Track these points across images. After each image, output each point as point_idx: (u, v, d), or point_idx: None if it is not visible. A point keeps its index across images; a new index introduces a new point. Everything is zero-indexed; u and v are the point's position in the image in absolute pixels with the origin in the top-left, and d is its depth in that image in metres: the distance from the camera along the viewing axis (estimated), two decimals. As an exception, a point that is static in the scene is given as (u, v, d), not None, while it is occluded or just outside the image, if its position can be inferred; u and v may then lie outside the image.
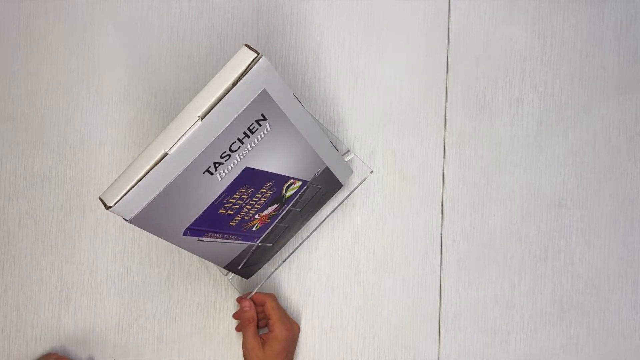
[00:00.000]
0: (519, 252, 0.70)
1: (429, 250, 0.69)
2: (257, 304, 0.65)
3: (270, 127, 0.49)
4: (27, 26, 0.70)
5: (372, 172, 0.66)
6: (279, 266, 0.68)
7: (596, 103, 0.71)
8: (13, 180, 0.69)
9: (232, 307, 0.69)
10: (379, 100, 0.70)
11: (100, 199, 0.45)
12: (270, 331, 0.63)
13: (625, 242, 0.70)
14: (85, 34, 0.70)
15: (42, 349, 0.68)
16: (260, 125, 0.48)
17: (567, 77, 0.71)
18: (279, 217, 0.59)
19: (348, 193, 0.67)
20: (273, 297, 0.65)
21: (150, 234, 0.69)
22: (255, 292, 0.65)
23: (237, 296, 0.68)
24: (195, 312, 0.68)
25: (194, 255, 0.69)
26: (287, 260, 0.68)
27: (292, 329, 0.64)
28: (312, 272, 0.69)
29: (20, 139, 0.70)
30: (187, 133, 0.44)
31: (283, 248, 0.68)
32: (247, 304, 0.64)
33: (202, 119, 0.44)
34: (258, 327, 0.65)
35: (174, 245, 0.68)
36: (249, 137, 0.48)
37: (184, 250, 0.68)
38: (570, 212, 0.70)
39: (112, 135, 0.70)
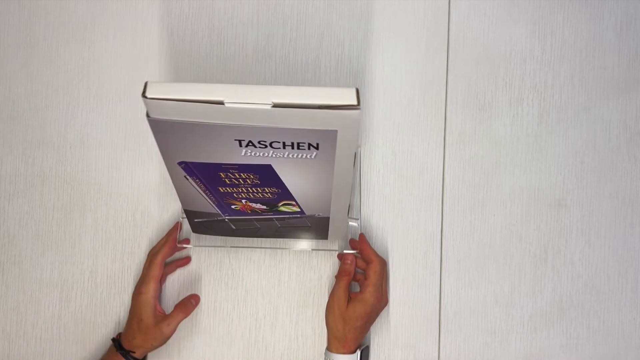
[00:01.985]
0: (519, 252, 0.70)
1: (429, 250, 0.69)
2: (365, 259, 0.64)
3: (314, 157, 0.49)
4: (27, 26, 0.70)
5: (356, 253, 0.66)
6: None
7: (596, 103, 0.71)
8: (13, 180, 0.69)
9: (230, 306, 0.69)
10: (379, 100, 0.70)
11: (146, 83, 0.45)
12: (360, 292, 0.61)
13: (625, 242, 0.70)
14: (85, 34, 0.70)
15: (42, 348, 0.68)
16: (309, 149, 0.48)
17: (567, 77, 0.71)
18: (259, 217, 0.60)
19: (326, 247, 0.68)
20: (383, 262, 0.64)
21: (149, 235, 0.69)
22: (371, 248, 0.64)
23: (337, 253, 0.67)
24: (196, 311, 0.68)
25: (194, 256, 0.69)
26: (288, 259, 0.69)
27: (382, 300, 0.62)
28: (312, 272, 0.69)
29: (20, 139, 0.70)
30: (252, 105, 0.44)
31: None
32: (350, 258, 0.64)
33: (272, 106, 0.44)
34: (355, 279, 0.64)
35: (174, 245, 0.68)
36: (292, 148, 0.48)
37: (183, 250, 0.69)
38: (570, 212, 0.70)
39: (112, 135, 0.70)
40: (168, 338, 0.63)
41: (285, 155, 0.49)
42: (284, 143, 0.48)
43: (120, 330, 0.65)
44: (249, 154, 0.49)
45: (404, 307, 0.69)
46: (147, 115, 0.46)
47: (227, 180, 0.54)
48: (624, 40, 0.71)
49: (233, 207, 0.58)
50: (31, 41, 0.70)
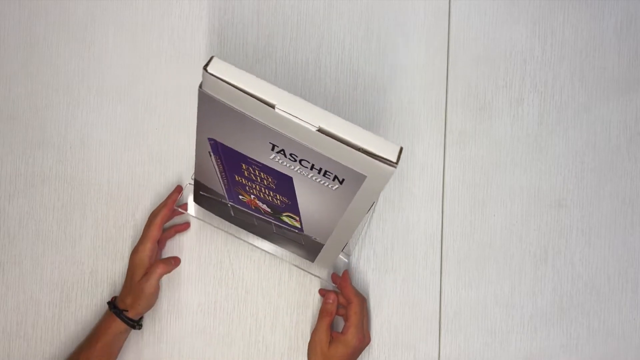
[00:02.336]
0: (519, 252, 0.70)
1: (429, 250, 0.69)
2: (345, 298, 0.64)
3: (335, 189, 0.50)
4: (27, 26, 0.70)
5: (335, 288, 0.66)
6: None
7: (596, 103, 0.71)
8: (13, 180, 0.69)
9: (231, 306, 0.69)
10: (379, 100, 0.70)
11: (212, 57, 0.46)
12: (342, 333, 0.61)
13: (625, 242, 0.70)
14: (85, 34, 0.70)
15: (42, 348, 0.68)
16: (333, 180, 0.49)
17: (568, 77, 0.71)
18: (260, 216, 0.61)
19: (308, 270, 0.68)
20: (362, 300, 0.63)
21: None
22: (351, 287, 0.64)
23: (319, 288, 0.68)
24: (196, 312, 0.68)
25: (194, 256, 0.69)
26: (288, 260, 0.69)
27: (363, 340, 0.62)
28: (312, 271, 0.69)
29: (20, 139, 0.70)
30: (299, 120, 0.45)
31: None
32: (332, 297, 0.64)
33: (317, 130, 0.45)
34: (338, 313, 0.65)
35: (174, 246, 0.68)
36: (318, 173, 0.49)
37: (184, 250, 0.69)
38: (570, 212, 0.70)
39: (112, 135, 0.70)
40: (151, 296, 0.63)
41: (309, 176, 0.50)
42: (312, 165, 0.48)
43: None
44: (277, 160, 0.50)
45: (404, 307, 0.69)
46: (200, 87, 0.47)
47: (245, 173, 0.54)
48: (624, 41, 0.71)
49: (240, 197, 0.59)
50: (31, 41, 0.70)
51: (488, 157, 0.70)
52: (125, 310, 0.62)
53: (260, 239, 0.67)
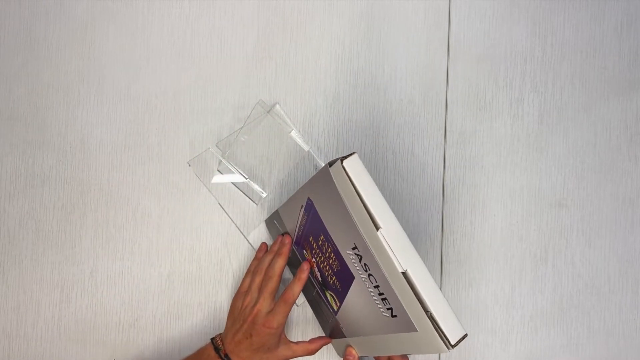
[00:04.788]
0: (519, 252, 0.70)
1: (429, 250, 0.69)
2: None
3: (383, 315, 0.51)
4: (27, 26, 0.70)
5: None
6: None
7: (597, 103, 0.71)
8: (13, 180, 0.69)
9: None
10: (379, 100, 0.70)
11: (353, 153, 0.48)
12: None
13: (625, 242, 0.70)
14: (85, 34, 0.70)
15: (42, 348, 0.68)
16: (387, 310, 0.50)
17: (568, 77, 0.71)
18: (310, 275, 0.62)
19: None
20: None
21: (149, 235, 0.69)
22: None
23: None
24: (196, 312, 0.68)
25: (194, 256, 0.69)
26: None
27: None
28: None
29: (20, 139, 0.70)
30: (391, 253, 0.47)
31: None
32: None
33: (402, 273, 0.46)
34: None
35: (174, 246, 0.68)
36: (379, 295, 0.50)
37: (184, 250, 0.69)
38: (570, 212, 0.70)
39: (112, 135, 0.70)
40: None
41: (369, 289, 0.51)
42: (378, 286, 0.49)
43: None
44: (351, 257, 0.51)
45: (404, 307, 0.69)
46: (329, 164, 0.49)
47: (320, 242, 0.56)
48: (625, 40, 0.71)
49: (304, 251, 0.60)
50: (31, 41, 0.70)
51: (488, 157, 0.70)
52: None
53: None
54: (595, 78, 0.71)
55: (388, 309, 0.49)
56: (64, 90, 0.70)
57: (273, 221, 0.66)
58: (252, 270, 0.64)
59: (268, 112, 0.70)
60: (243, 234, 0.69)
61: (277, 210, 0.64)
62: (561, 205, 0.70)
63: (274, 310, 0.58)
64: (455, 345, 0.45)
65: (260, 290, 0.60)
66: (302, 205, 0.56)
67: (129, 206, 0.69)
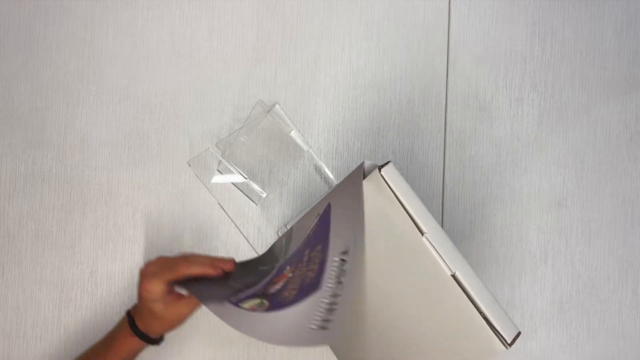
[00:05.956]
0: (519, 252, 0.70)
1: (429, 250, 0.69)
2: None
3: None
4: (27, 26, 0.70)
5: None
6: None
7: (596, 103, 0.71)
8: (13, 180, 0.69)
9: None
10: (379, 100, 0.70)
11: (389, 162, 0.48)
12: None
13: (625, 242, 0.70)
14: (85, 34, 0.70)
15: (42, 349, 0.68)
16: None
17: (568, 77, 0.71)
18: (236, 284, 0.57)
19: None
20: None
21: (149, 234, 0.69)
22: None
23: None
24: (196, 313, 0.68)
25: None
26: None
27: None
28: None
29: (20, 139, 0.70)
30: (439, 258, 0.46)
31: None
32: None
33: (451, 275, 0.46)
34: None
35: (174, 246, 0.68)
36: (333, 297, 0.49)
37: (184, 250, 0.68)
38: (570, 212, 0.70)
39: (112, 135, 0.70)
40: (188, 317, 0.57)
41: (322, 300, 0.49)
42: (339, 296, 0.49)
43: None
44: (334, 264, 0.50)
45: (404, 307, 0.69)
46: (364, 176, 0.49)
47: (312, 254, 0.53)
48: (624, 40, 0.71)
49: (287, 267, 0.56)
50: (31, 41, 0.70)
51: (488, 157, 0.70)
52: (149, 335, 0.57)
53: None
54: (595, 78, 0.71)
55: (324, 320, 0.46)
56: (64, 90, 0.70)
57: (282, 241, 0.62)
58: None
59: (268, 112, 0.70)
60: (243, 234, 0.69)
61: (290, 228, 0.61)
62: (561, 205, 0.70)
63: (157, 274, 0.54)
64: (512, 343, 0.44)
65: (164, 264, 0.55)
66: (318, 214, 0.55)
67: (129, 206, 0.69)
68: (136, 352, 0.59)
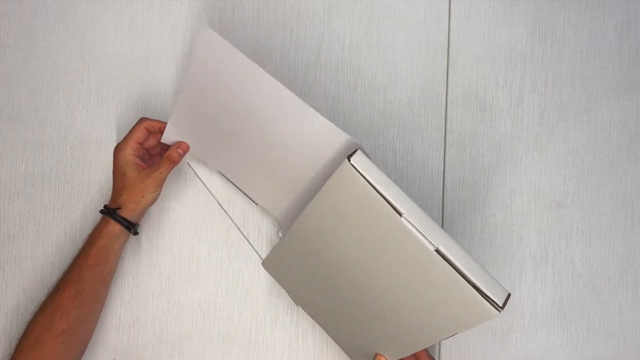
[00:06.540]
0: (519, 252, 0.70)
1: (429, 250, 0.69)
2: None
3: None
4: (27, 26, 0.70)
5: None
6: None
7: (597, 103, 0.71)
8: (13, 180, 0.69)
9: (231, 306, 0.69)
10: (379, 99, 0.70)
11: (356, 150, 0.49)
12: None
13: (626, 242, 0.70)
14: (85, 34, 0.70)
15: (42, 348, 0.68)
16: None
17: (568, 77, 0.71)
18: None
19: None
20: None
21: (149, 234, 0.69)
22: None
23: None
24: (196, 312, 0.68)
25: (194, 255, 0.69)
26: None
27: None
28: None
29: (20, 139, 0.70)
30: (420, 235, 0.47)
31: None
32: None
33: (435, 251, 0.47)
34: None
35: (174, 246, 0.68)
36: None
37: (183, 251, 0.69)
38: (570, 212, 0.70)
39: (112, 135, 0.70)
40: (154, 192, 0.62)
41: None
42: None
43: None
44: None
45: (404, 307, 0.69)
46: (349, 159, 0.49)
47: None
48: (625, 40, 0.71)
49: None
50: (31, 41, 0.70)
51: (488, 157, 0.70)
52: (118, 208, 0.61)
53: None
54: (595, 78, 0.71)
55: None
56: (64, 90, 0.70)
57: (274, 260, 0.63)
58: None
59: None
60: (243, 234, 0.69)
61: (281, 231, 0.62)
62: (561, 205, 0.70)
63: (124, 139, 0.62)
64: (504, 306, 0.46)
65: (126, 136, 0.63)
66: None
67: (129, 206, 0.69)
68: (115, 240, 0.61)
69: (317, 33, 0.71)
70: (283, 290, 0.69)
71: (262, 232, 0.69)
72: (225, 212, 0.69)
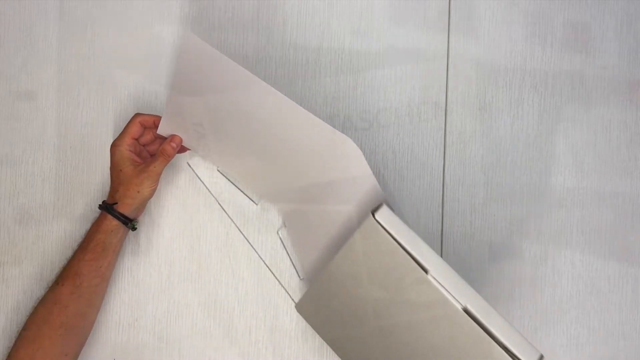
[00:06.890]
0: (519, 252, 0.70)
1: (429, 250, 0.69)
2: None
3: None
4: (27, 26, 0.70)
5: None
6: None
7: (596, 103, 0.71)
8: (13, 180, 0.69)
9: (231, 306, 0.69)
10: (379, 100, 0.70)
11: (382, 204, 0.49)
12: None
13: (625, 242, 0.70)
14: (85, 33, 0.70)
15: (42, 348, 0.68)
16: None
17: (568, 77, 0.71)
18: None
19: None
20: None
21: (149, 234, 0.69)
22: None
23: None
24: (195, 312, 0.68)
25: (194, 256, 0.69)
26: (288, 259, 0.69)
27: None
28: (312, 272, 0.69)
29: (20, 139, 0.70)
30: (447, 293, 0.47)
31: None
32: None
33: (462, 309, 0.46)
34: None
35: (174, 246, 0.68)
36: None
37: (183, 250, 0.69)
38: (570, 212, 0.70)
39: (113, 135, 0.70)
40: (150, 187, 0.62)
41: None
42: None
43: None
44: None
45: (404, 307, 0.69)
46: (373, 216, 0.48)
47: None
48: (624, 41, 0.71)
49: None
50: (31, 41, 0.70)
51: (488, 157, 0.70)
52: (115, 203, 0.62)
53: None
54: (595, 78, 0.71)
55: None
56: (64, 90, 0.70)
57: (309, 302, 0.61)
58: None
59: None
60: (243, 234, 0.69)
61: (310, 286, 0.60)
62: (561, 205, 0.70)
63: (119, 136, 0.63)
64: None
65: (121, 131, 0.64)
66: None
67: (129, 206, 0.69)
68: (112, 235, 0.62)
69: (317, 33, 0.71)
70: (283, 290, 0.69)
71: (262, 232, 0.69)
72: (225, 212, 0.69)
